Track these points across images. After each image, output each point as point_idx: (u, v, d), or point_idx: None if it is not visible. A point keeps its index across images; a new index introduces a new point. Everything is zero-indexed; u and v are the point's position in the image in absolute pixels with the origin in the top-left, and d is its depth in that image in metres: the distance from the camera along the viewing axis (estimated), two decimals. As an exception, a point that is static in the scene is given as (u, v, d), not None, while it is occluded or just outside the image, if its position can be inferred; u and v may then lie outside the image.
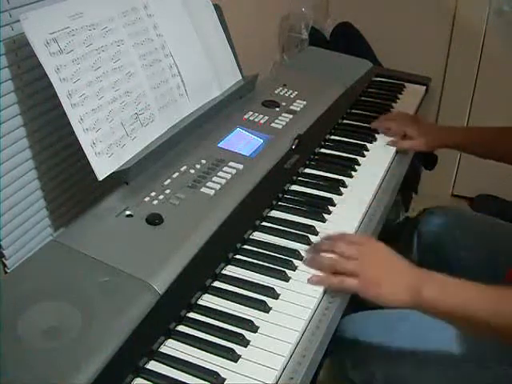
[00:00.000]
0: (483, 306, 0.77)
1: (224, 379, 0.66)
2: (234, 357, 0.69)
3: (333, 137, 1.23)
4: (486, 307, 0.77)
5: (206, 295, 0.79)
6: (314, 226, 0.92)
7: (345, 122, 1.30)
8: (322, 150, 1.18)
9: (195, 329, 0.73)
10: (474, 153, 1.23)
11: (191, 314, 0.75)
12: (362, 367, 0.96)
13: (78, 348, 0.63)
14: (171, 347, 0.70)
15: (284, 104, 1.22)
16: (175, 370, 0.67)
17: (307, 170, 1.10)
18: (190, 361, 0.68)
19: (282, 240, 0.89)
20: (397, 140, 1.20)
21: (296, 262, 0.84)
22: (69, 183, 0.99)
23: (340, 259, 0.82)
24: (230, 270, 0.83)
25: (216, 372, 0.66)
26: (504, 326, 0.76)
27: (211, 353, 0.69)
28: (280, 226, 0.92)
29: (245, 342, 0.71)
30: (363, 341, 0.97)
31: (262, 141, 1.07)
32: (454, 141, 1.21)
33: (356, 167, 1.11)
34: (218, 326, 0.73)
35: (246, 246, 0.88)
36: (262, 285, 0.80)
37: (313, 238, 0.90)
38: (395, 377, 0.94)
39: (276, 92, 1.28)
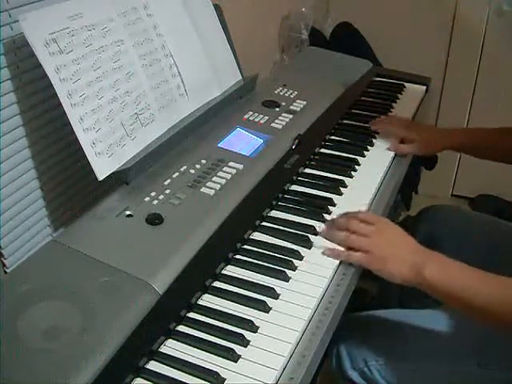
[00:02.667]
0: (481, 290, 0.79)
1: (224, 379, 0.66)
2: (234, 357, 0.69)
3: (333, 137, 1.23)
4: (484, 292, 0.79)
5: (206, 295, 0.79)
6: (313, 226, 0.92)
7: (345, 122, 1.30)
8: (322, 150, 1.18)
9: (195, 329, 0.73)
10: (474, 154, 1.23)
11: (191, 314, 0.75)
12: (361, 367, 0.96)
13: (77, 348, 0.63)
14: (171, 347, 0.70)
15: (284, 104, 1.22)
16: (175, 370, 0.67)
17: (307, 170, 1.10)
18: (190, 361, 0.68)
19: (281, 240, 0.89)
20: (396, 145, 1.19)
21: (296, 262, 0.84)
22: (69, 183, 0.99)
23: (352, 236, 0.87)
24: (230, 270, 0.83)
25: (216, 372, 0.66)
26: (499, 312, 0.78)
27: (211, 353, 0.69)
28: (280, 226, 0.92)
29: (245, 342, 0.71)
30: (363, 341, 0.97)
31: (262, 141, 1.07)
32: (454, 143, 1.21)
33: (356, 167, 1.11)
34: (218, 326, 0.73)
35: (246, 246, 0.88)
36: (262, 285, 0.80)
37: (313, 238, 0.90)
38: (395, 377, 0.94)
39: (276, 92, 1.28)
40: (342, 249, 0.87)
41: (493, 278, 0.80)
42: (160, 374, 0.67)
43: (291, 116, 1.18)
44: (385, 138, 1.21)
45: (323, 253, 0.87)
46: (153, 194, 0.88)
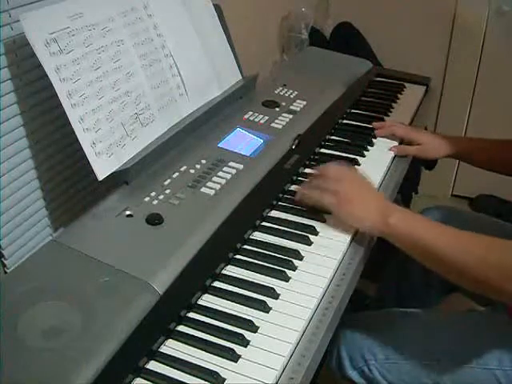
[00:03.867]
0: (442, 241, 0.82)
1: (224, 379, 0.66)
2: (234, 357, 0.69)
3: (333, 137, 1.23)
4: (444, 244, 0.82)
5: (206, 295, 0.79)
6: (313, 226, 0.92)
7: (345, 121, 1.30)
8: (322, 150, 1.18)
9: (195, 329, 0.73)
10: (476, 164, 1.23)
11: (191, 314, 0.75)
12: (361, 366, 0.96)
13: (78, 348, 0.63)
14: (171, 347, 0.70)
15: (284, 104, 1.22)
16: (175, 370, 0.67)
17: (307, 170, 1.10)
18: (190, 361, 0.68)
19: (282, 240, 0.89)
20: (400, 146, 1.19)
21: (296, 262, 0.84)
22: (69, 183, 0.99)
23: (324, 179, 0.92)
24: (230, 270, 0.83)
25: (216, 372, 0.66)
26: (461, 264, 0.80)
27: (211, 353, 0.69)
28: (280, 226, 0.92)
29: (245, 342, 0.71)
30: (362, 340, 0.97)
31: (262, 141, 1.07)
32: (457, 151, 1.20)
33: (356, 167, 1.11)
34: (218, 326, 0.73)
35: (246, 246, 0.88)
36: (262, 285, 0.80)
37: (313, 238, 0.90)
38: (395, 376, 0.94)
39: (276, 92, 1.28)
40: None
41: (454, 231, 0.83)
42: (160, 373, 0.67)
43: (291, 116, 1.18)
44: (386, 139, 1.21)
45: (296, 196, 0.94)
46: (153, 194, 0.88)
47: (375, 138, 1.22)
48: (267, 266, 0.83)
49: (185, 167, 0.95)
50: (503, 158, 1.16)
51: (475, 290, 0.84)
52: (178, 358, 0.68)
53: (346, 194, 0.89)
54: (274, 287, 0.79)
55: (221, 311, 0.76)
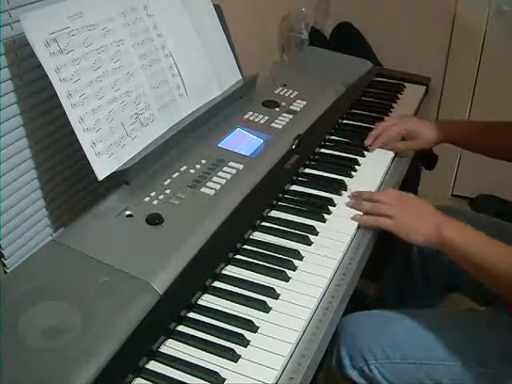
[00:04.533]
0: (493, 254, 0.86)
1: (224, 379, 0.66)
2: (234, 357, 0.69)
3: (333, 137, 1.23)
4: (495, 257, 0.85)
5: (206, 295, 0.79)
6: (313, 226, 0.92)
7: (345, 121, 1.30)
8: (322, 150, 1.18)
9: (195, 329, 0.73)
10: (469, 148, 1.23)
11: (191, 314, 0.75)
12: (361, 366, 0.96)
13: (78, 348, 0.63)
14: (171, 347, 0.70)
15: (284, 104, 1.22)
16: (175, 370, 0.67)
17: (307, 170, 1.10)
18: (190, 361, 0.68)
19: (282, 240, 0.89)
20: (398, 144, 1.18)
21: (296, 262, 0.84)
22: (69, 183, 0.99)
23: (378, 204, 0.96)
24: (230, 270, 0.83)
25: (216, 372, 0.66)
26: (502, 273, 0.84)
27: (211, 353, 0.69)
28: (280, 226, 0.92)
29: (245, 342, 0.71)
30: (362, 340, 0.97)
31: (262, 141, 1.07)
32: (450, 134, 1.19)
33: (356, 167, 1.11)
34: (218, 326, 0.73)
35: (246, 246, 0.88)
36: (262, 285, 0.80)
37: (313, 238, 0.90)
38: (395, 375, 0.94)
39: (276, 92, 1.28)
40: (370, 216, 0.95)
41: (501, 243, 0.86)
42: (160, 373, 0.67)
43: (291, 116, 1.18)
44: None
45: (352, 218, 0.95)
46: (153, 194, 0.88)
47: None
48: (267, 266, 0.83)
49: (185, 167, 0.95)
50: (505, 142, 1.16)
51: None
52: (178, 358, 0.68)
53: (401, 217, 0.94)
54: (274, 287, 0.79)
55: (221, 311, 0.76)
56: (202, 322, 0.74)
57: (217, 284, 0.81)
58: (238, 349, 0.70)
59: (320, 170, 1.09)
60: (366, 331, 0.99)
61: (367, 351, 0.95)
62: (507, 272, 0.84)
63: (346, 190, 1.03)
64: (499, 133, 1.17)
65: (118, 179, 0.90)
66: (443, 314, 1.06)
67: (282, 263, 0.84)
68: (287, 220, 0.94)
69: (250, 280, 0.81)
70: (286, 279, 0.81)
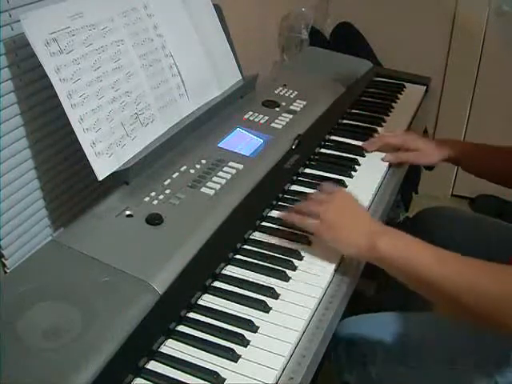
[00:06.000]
0: (425, 262, 0.76)
1: (224, 379, 0.66)
2: (234, 357, 0.69)
3: (333, 137, 1.23)
4: (427, 263, 0.76)
5: (206, 295, 0.79)
6: (314, 226, 0.92)
7: (345, 121, 1.30)
8: (322, 150, 1.18)
9: (195, 329, 0.73)
10: (470, 170, 1.18)
11: (191, 314, 0.75)
12: (359, 369, 0.96)
13: (78, 348, 0.63)
14: (171, 347, 0.70)
15: (284, 104, 1.22)
16: (175, 370, 0.67)
17: (307, 170, 1.10)
18: (190, 361, 0.68)
19: (282, 240, 0.89)
20: (396, 153, 1.15)
21: (296, 262, 0.84)
22: (69, 183, 0.99)
23: (306, 202, 0.89)
24: (230, 270, 0.83)
25: (216, 372, 0.66)
26: (455, 293, 0.73)
27: (211, 353, 0.69)
28: (280, 226, 0.92)
29: (245, 342, 0.71)
30: (360, 343, 0.97)
31: (262, 141, 1.07)
32: (453, 153, 1.16)
33: (356, 167, 1.11)
34: (218, 326, 0.73)
35: (246, 246, 0.88)
36: (262, 285, 0.80)
37: (313, 238, 0.90)
38: (393, 379, 0.94)
39: (276, 92, 1.28)
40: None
41: (450, 255, 0.76)
42: (160, 373, 0.67)
43: (291, 116, 1.18)
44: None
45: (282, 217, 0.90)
46: (153, 194, 0.88)
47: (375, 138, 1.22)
48: (267, 266, 0.83)
49: (185, 167, 0.95)
50: (502, 166, 1.12)
51: (471, 321, 0.78)
52: (178, 358, 0.68)
53: (328, 219, 0.83)
54: (274, 287, 0.79)
55: (221, 311, 0.75)
56: (202, 321, 0.74)
57: (217, 284, 0.81)
58: (237, 349, 0.70)
59: (320, 170, 1.09)
60: (364, 333, 0.98)
61: (366, 353, 0.95)
62: (449, 287, 0.74)
63: (346, 188, 1.03)
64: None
65: (118, 179, 0.90)
66: (442, 315, 1.06)
67: (281, 263, 0.84)
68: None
69: (250, 280, 0.81)
70: (286, 279, 0.81)
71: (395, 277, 0.81)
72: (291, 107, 1.21)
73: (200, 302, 0.77)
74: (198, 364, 0.68)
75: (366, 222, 0.85)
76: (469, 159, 1.16)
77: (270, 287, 0.79)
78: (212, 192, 0.90)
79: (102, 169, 0.87)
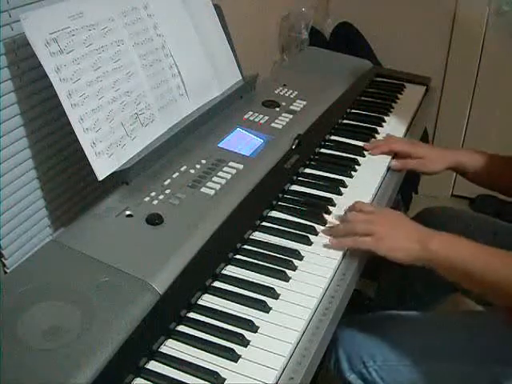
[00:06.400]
0: (490, 265, 0.81)
1: (224, 379, 0.66)
2: (234, 357, 0.69)
3: (333, 137, 1.23)
4: (493, 267, 0.81)
5: (206, 295, 0.79)
6: (313, 226, 0.92)
7: (345, 121, 1.30)
8: (322, 150, 1.18)
9: (195, 329, 0.73)
10: (473, 179, 1.18)
11: (191, 314, 0.75)
12: (359, 368, 0.96)
13: (78, 348, 0.63)
14: (171, 347, 0.70)
15: (284, 104, 1.22)
16: (175, 370, 0.67)
17: (307, 170, 1.10)
18: (190, 361, 0.68)
19: (282, 240, 0.89)
20: (402, 160, 1.14)
21: (296, 262, 0.84)
22: (69, 183, 0.99)
23: (353, 223, 0.89)
24: (230, 270, 0.83)
25: (216, 372, 0.66)
26: (494, 282, 0.80)
27: (211, 353, 0.69)
28: (280, 226, 0.92)
29: (245, 342, 0.71)
30: (361, 343, 0.97)
31: (262, 141, 1.07)
32: (457, 162, 1.15)
33: (356, 167, 1.11)
34: (218, 326, 0.73)
35: (246, 246, 0.88)
36: (262, 285, 0.80)
37: (313, 238, 0.90)
38: (393, 378, 0.94)
39: (276, 92, 1.28)
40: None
41: (502, 252, 0.81)
42: (160, 373, 0.66)
43: (291, 116, 1.18)
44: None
45: (329, 243, 0.88)
46: (153, 194, 0.88)
47: (375, 138, 1.22)
48: (267, 266, 0.83)
49: (185, 167, 0.95)
50: (504, 175, 1.12)
51: None
52: (178, 358, 0.68)
53: (381, 233, 0.87)
54: (274, 287, 0.79)
55: (221, 311, 0.75)
56: (202, 321, 0.74)
57: (217, 284, 0.81)
58: (237, 349, 0.70)
59: (320, 170, 1.09)
60: (364, 333, 0.99)
61: (366, 354, 0.95)
62: (506, 281, 0.80)
63: (346, 188, 1.04)
64: None
65: (118, 179, 0.90)
66: (442, 315, 1.06)
67: (282, 263, 0.84)
68: (287, 220, 0.94)
69: (250, 280, 0.81)
70: (286, 279, 0.81)
71: (446, 276, 0.86)
72: (291, 107, 1.21)
73: (200, 301, 0.77)
74: (198, 364, 0.68)
75: (413, 228, 0.89)
76: (475, 169, 1.14)
77: (270, 287, 0.79)
78: (212, 192, 0.90)
79: (102, 169, 0.87)
